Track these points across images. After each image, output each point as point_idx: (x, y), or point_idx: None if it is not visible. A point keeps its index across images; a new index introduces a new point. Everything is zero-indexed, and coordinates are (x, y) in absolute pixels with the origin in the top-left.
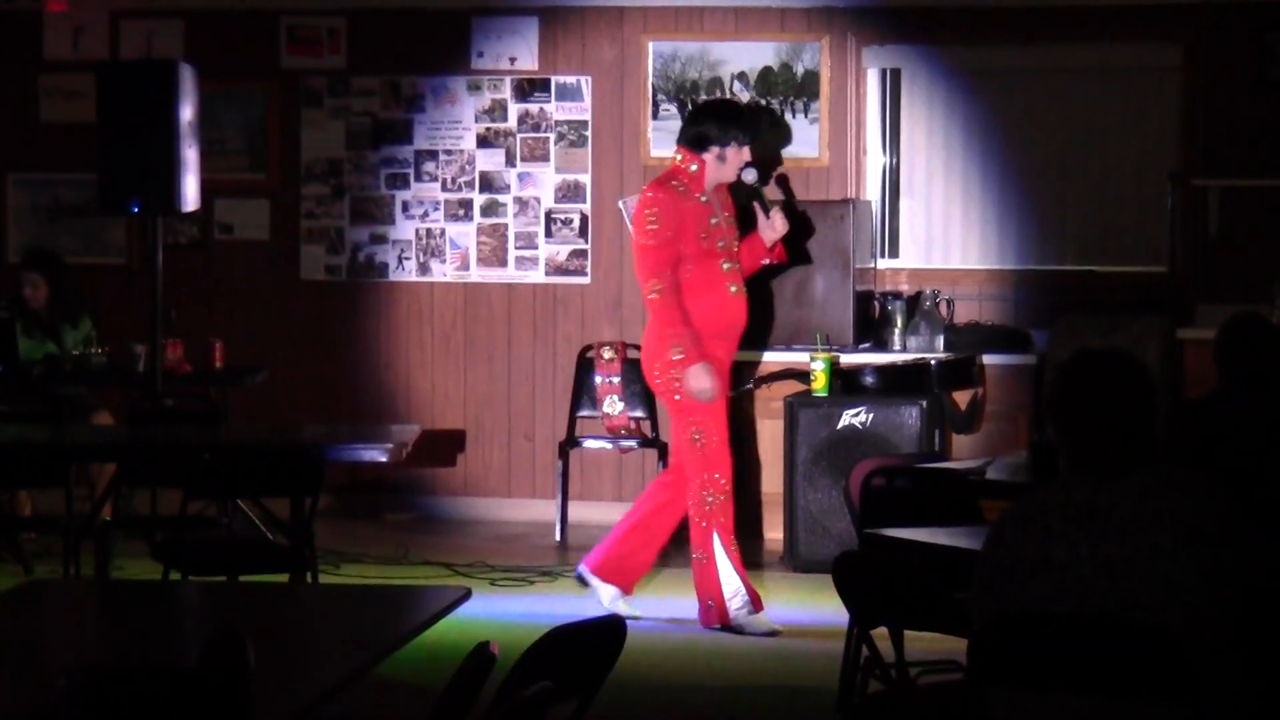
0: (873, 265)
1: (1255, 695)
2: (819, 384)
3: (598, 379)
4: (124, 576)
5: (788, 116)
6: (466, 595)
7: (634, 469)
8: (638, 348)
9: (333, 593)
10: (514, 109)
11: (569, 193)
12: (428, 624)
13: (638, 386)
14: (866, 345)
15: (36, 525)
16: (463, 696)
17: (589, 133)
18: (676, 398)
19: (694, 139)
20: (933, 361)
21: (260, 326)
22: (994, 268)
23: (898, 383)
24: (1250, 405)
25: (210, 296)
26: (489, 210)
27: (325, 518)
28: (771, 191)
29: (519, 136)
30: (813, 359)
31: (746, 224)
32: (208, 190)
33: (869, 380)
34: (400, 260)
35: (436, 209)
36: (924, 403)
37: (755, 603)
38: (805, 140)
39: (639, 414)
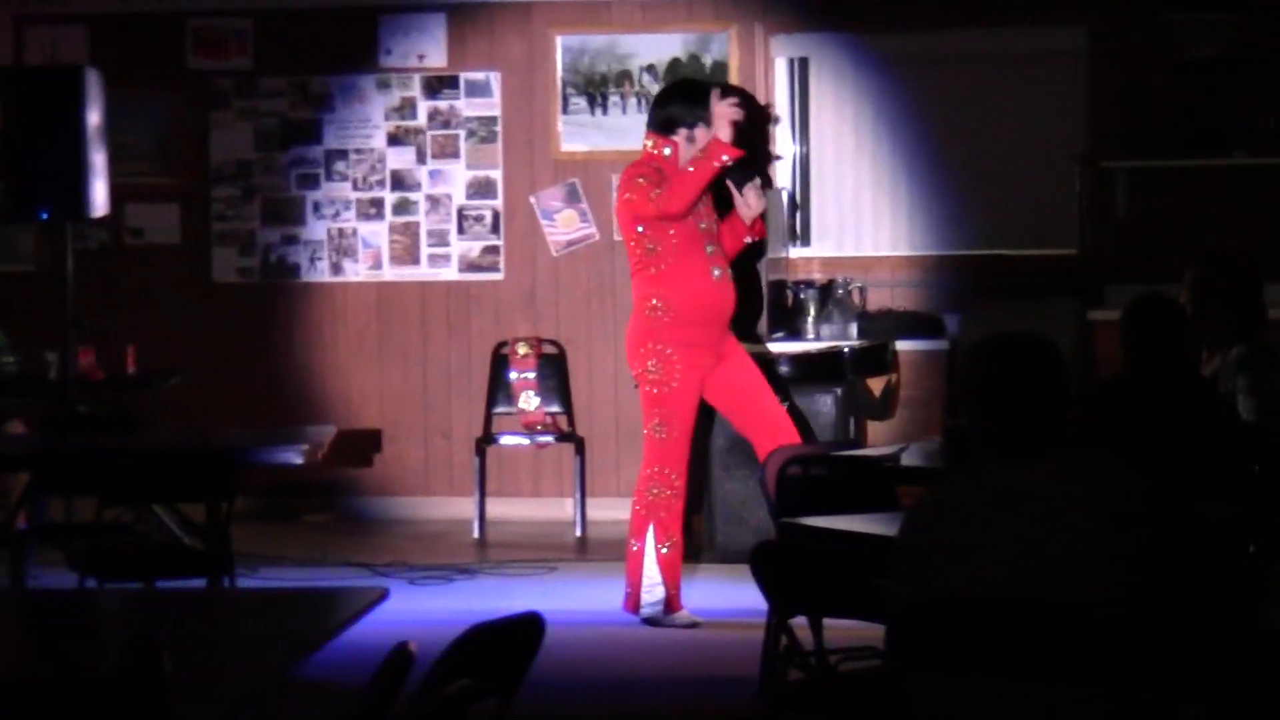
0: (785, 254)
1: (1174, 673)
2: None
3: (513, 375)
4: (40, 585)
5: None
6: (384, 596)
7: (551, 464)
8: (553, 343)
9: (250, 596)
10: (423, 106)
11: (480, 189)
12: (346, 625)
13: (553, 382)
14: (780, 334)
15: None
16: (382, 697)
17: (499, 128)
18: (648, 388)
19: (662, 123)
20: (846, 349)
21: (173, 330)
22: (906, 254)
23: (812, 371)
24: (1157, 386)
25: (122, 302)
26: (400, 208)
27: (243, 521)
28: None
29: (429, 134)
30: None
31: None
32: (117, 195)
33: (784, 369)
34: (313, 260)
35: (348, 208)
36: (838, 390)
37: (671, 604)
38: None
39: (555, 409)
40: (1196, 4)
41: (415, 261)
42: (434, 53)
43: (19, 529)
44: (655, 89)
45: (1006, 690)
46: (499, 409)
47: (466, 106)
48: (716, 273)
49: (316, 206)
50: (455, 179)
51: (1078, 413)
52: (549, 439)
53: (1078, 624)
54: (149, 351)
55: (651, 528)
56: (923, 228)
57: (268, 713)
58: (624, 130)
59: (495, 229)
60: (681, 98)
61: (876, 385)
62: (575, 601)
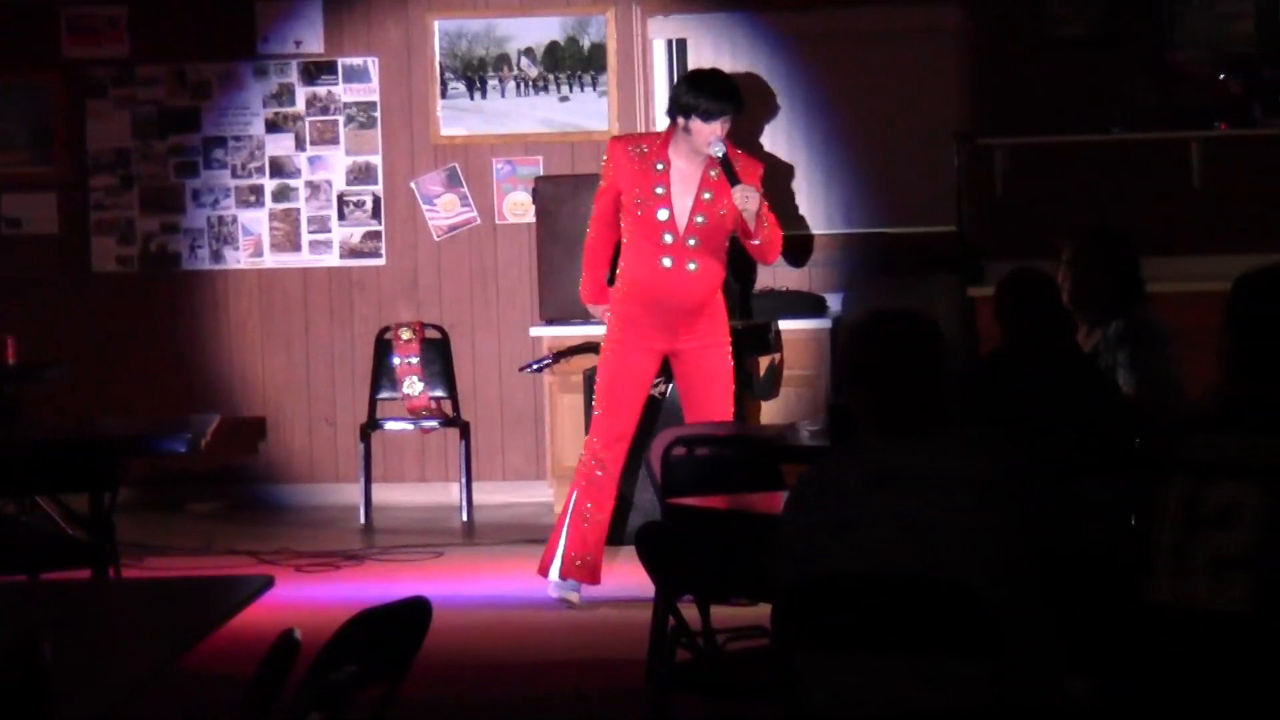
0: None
1: (1058, 647)
2: None
3: (396, 360)
4: None
5: (576, 91)
6: (269, 583)
7: (436, 449)
8: (436, 328)
9: (135, 587)
10: (301, 93)
11: (360, 175)
12: (231, 614)
13: (437, 366)
14: None
15: None
16: (269, 685)
17: (378, 114)
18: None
19: (669, 105)
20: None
21: (53, 321)
22: (787, 234)
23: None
24: (1036, 361)
25: (1, 292)
26: (280, 195)
27: (128, 511)
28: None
29: (308, 120)
30: None
31: None
32: None
33: None
34: (193, 249)
35: (227, 196)
36: None
37: (578, 575)
38: (594, 113)
39: (439, 394)
40: None
41: (296, 248)
42: (311, 39)
43: None
44: (534, 72)
45: (892, 666)
46: (383, 395)
47: (345, 92)
48: (666, 262)
49: (196, 194)
50: (335, 165)
51: (959, 389)
52: (434, 424)
53: (960, 599)
54: (29, 342)
55: (573, 494)
56: (804, 207)
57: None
58: (503, 114)
59: (376, 214)
60: (689, 85)
61: (761, 365)
62: (463, 586)
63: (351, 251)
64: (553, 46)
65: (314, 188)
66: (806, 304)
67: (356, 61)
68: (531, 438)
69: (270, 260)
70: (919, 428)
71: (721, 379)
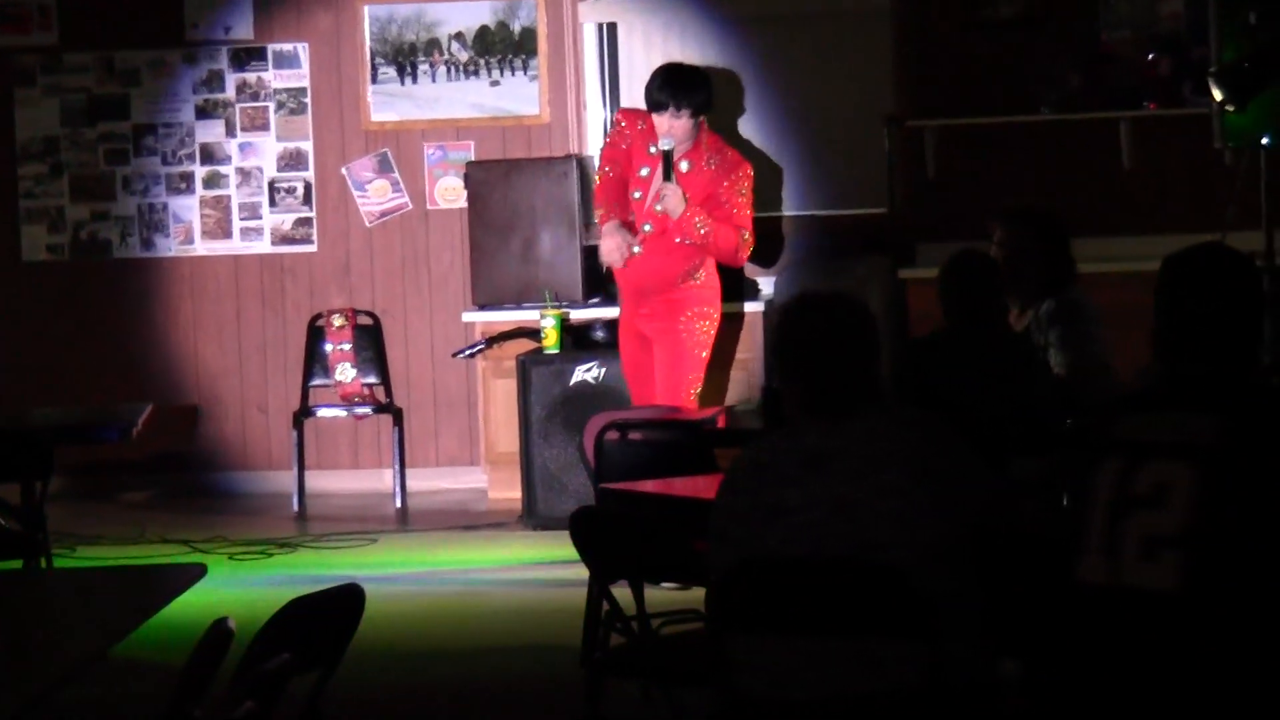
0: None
1: (991, 628)
2: (550, 341)
3: (328, 347)
4: None
5: (506, 75)
6: (202, 572)
7: (370, 436)
8: (369, 314)
9: (68, 576)
10: (231, 79)
11: (291, 161)
12: (164, 603)
13: (370, 353)
14: (596, 300)
15: None
16: (202, 673)
17: (308, 100)
18: None
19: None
20: None
21: None
22: None
23: None
24: (974, 341)
25: None
26: (211, 182)
27: (60, 501)
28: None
29: (238, 106)
30: (543, 316)
31: None
32: None
33: (600, 335)
34: (124, 237)
35: (158, 183)
36: None
37: None
38: (525, 98)
39: (372, 380)
40: None
41: (227, 235)
42: (240, 25)
43: None
44: (464, 57)
45: (825, 648)
46: (315, 382)
47: (275, 78)
48: (636, 249)
49: (126, 182)
50: (265, 151)
51: (892, 370)
52: (366, 410)
53: (893, 581)
54: None
55: None
56: None
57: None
58: (434, 99)
59: (307, 201)
60: (652, 76)
61: None
62: (397, 572)
63: (283, 238)
64: (483, 31)
65: (245, 174)
66: (739, 287)
67: (286, 47)
68: (465, 423)
69: (201, 248)
70: (849, 410)
71: (667, 363)
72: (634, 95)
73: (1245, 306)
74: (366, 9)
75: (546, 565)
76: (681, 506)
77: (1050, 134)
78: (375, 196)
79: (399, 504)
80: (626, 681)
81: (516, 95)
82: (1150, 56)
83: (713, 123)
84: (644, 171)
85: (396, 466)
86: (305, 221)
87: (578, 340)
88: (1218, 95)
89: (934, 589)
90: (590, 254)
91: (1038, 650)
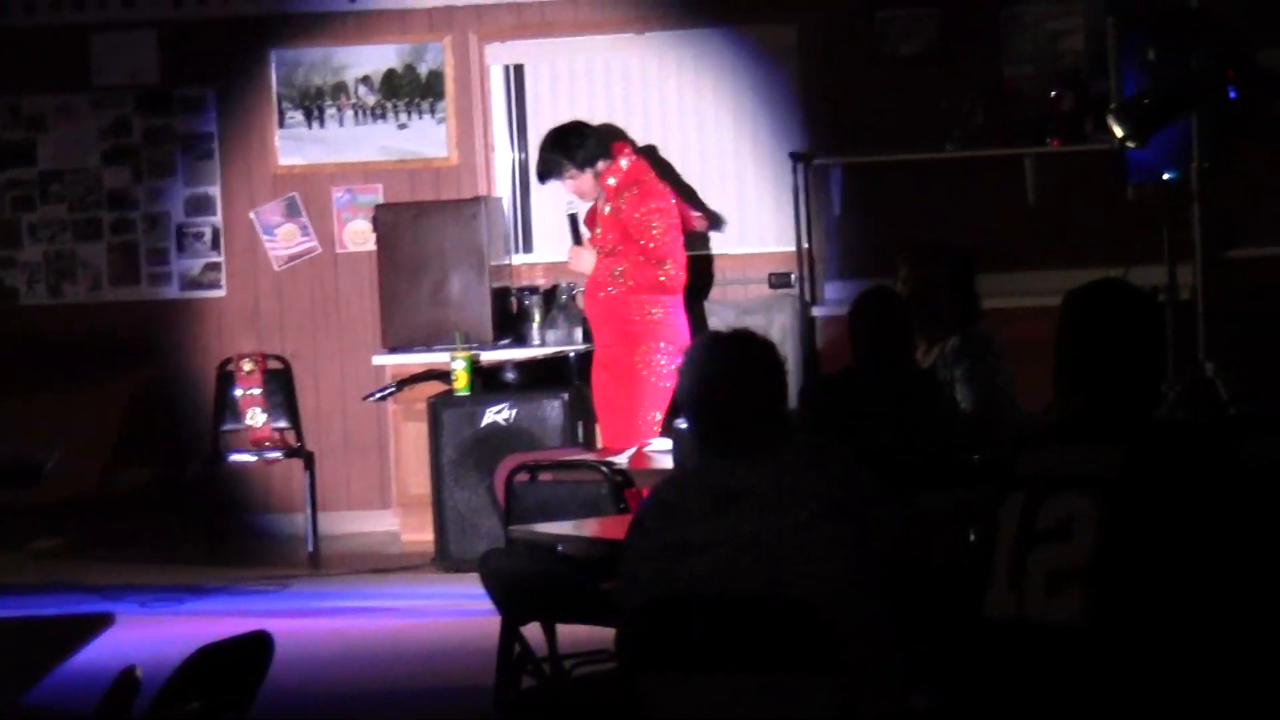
0: (508, 261)
1: (901, 663)
2: (460, 383)
3: (239, 392)
4: None
5: (414, 118)
6: (109, 621)
7: (281, 480)
8: (279, 358)
9: None
10: (138, 124)
11: (199, 206)
12: (70, 653)
13: (280, 397)
14: (506, 341)
15: None
16: None
17: (216, 145)
18: None
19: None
20: (572, 354)
21: None
22: None
23: (539, 377)
24: (881, 378)
25: None
26: (118, 228)
27: None
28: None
29: (145, 152)
30: (453, 358)
31: None
32: None
33: (510, 376)
34: (30, 284)
35: (65, 230)
36: (565, 395)
37: None
38: (433, 140)
39: (283, 424)
40: (901, 0)
41: (136, 281)
42: (147, 70)
43: None
44: (372, 100)
45: (736, 685)
46: (226, 426)
47: (181, 123)
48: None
49: (33, 229)
50: (173, 196)
51: (800, 407)
52: (277, 455)
53: (803, 616)
54: None
55: None
56: None
57: None
58: (342, 143)
59: (215, 246)
60: (542, 153)
61: None
62: (309, 617)
63: (191, 283)
64: (390, 74)
65: (152, 220)
66: None
67: (193, 92)
68: (376, 466)
69: (109, 293)
70: (757, 448)
71: (625, 396)
72: (541, 137)
73: (1144, 341)
74: (273, 53)
75: (459, 607)
76: (590, 548)
77: (956, 170)
78: (284, 240)
79: (311, 548)
80: None
81: (424, 138)
82: (1053, 93)
83: None
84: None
85: (308, 510)
86: (214, 266)
87: (488, 382)
88: (1118, 131)
89: (844, 624)
90: (499, 296)
91: (947, 684)
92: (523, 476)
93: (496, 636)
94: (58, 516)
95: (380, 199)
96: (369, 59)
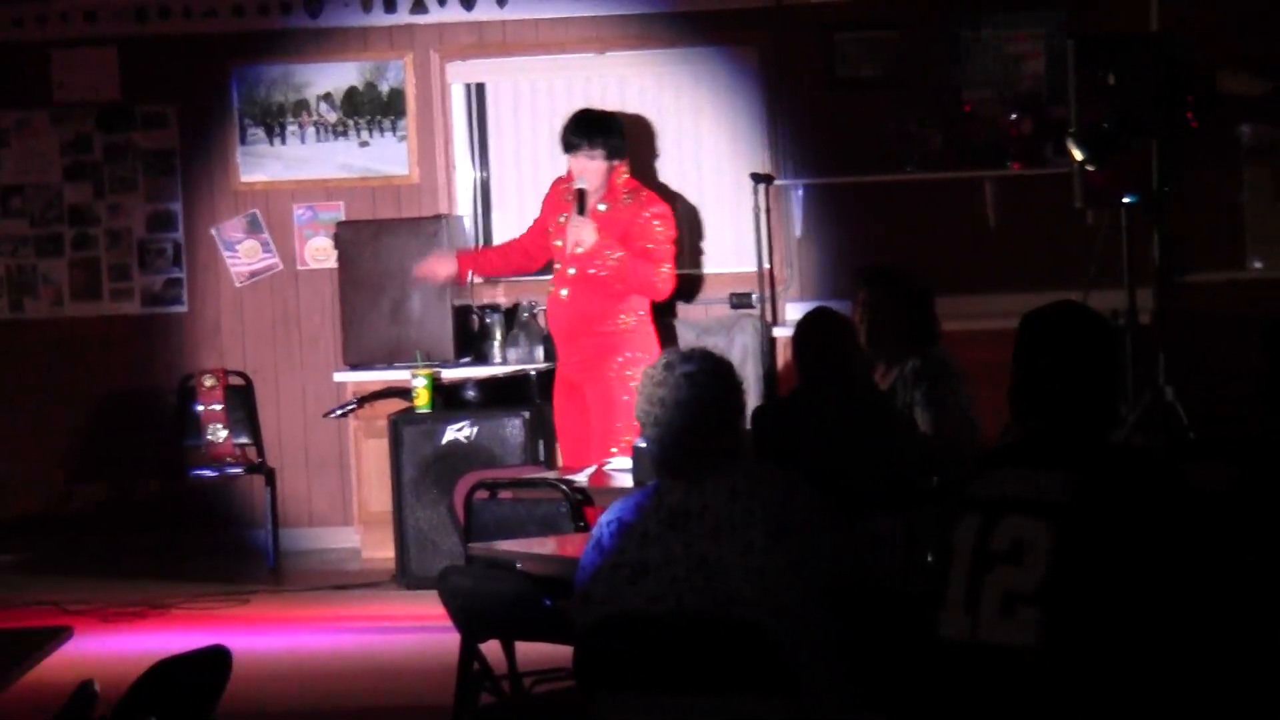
0: (470, 279)
1: (849, 685)
2: (421, 401)
3: (200, 407)
4: None
5: (375, 135)
6: (67, 634)
7: (242, 496)
8: (240, 374)
9: None
10: (100, 140)
11: (160, 222)
12: (27, 667)
13: (241, 413)
14: (467, 359)
15: None
16: None
17: (177, 161)
18: None
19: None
20: (533, 372)
21: None
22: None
23: (499, 395)
24: (829, 399)
25: None
26: (80, 243)
27: None
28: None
29: (106, 168)
30: (414, 376)
31: None
32: None
33: (471, 394)
34: None
35: (26, 245)
36: (526, 414)
37: None
38: (394, 158)
39: (244, 440)
40: (860, 23)
41: (97, 296)
42: (108, 86)
43: None
44: (333, 118)
45: (690, 705)
46: (188, 442)
47: (143, 139)
48: (563, 292)
49: None
50: (134, 213)
51: (753, 428)
52: (238, 471)
53: (754, 638)
54: None
55: None
56: None
57: None
58: (303, 159)
59: (177, 262)
60: (575, 122)
61: None
62: (269, 633)
63: (153, 299)
64: (351, 92)
65: (114, 235)
66: None
67: (155, 109)
68: (337, 483)
69: (71, 309)
70: (711, 469)
71: (599, 410)
72: (503, 155)
73: (1099, 365)
74: (235, 70)
75: (419, 624)
76: (549, 566)
77: (916, 193)
78: (245, 257)
79: (272, 564)
80: None
81: (385, 156)
82: (1013, 116)
83: None
84: (561, 218)
85: (269, 526)
86: (175, 282)
87: (449, 400)
88: (1076, 155)
89: (795, 645)
90: (461, 314)
91: (900, 706)
92: (482, 494)
93: (456, 654)
94: (18, 530)
95: (341, 216)
96: (330, 76)
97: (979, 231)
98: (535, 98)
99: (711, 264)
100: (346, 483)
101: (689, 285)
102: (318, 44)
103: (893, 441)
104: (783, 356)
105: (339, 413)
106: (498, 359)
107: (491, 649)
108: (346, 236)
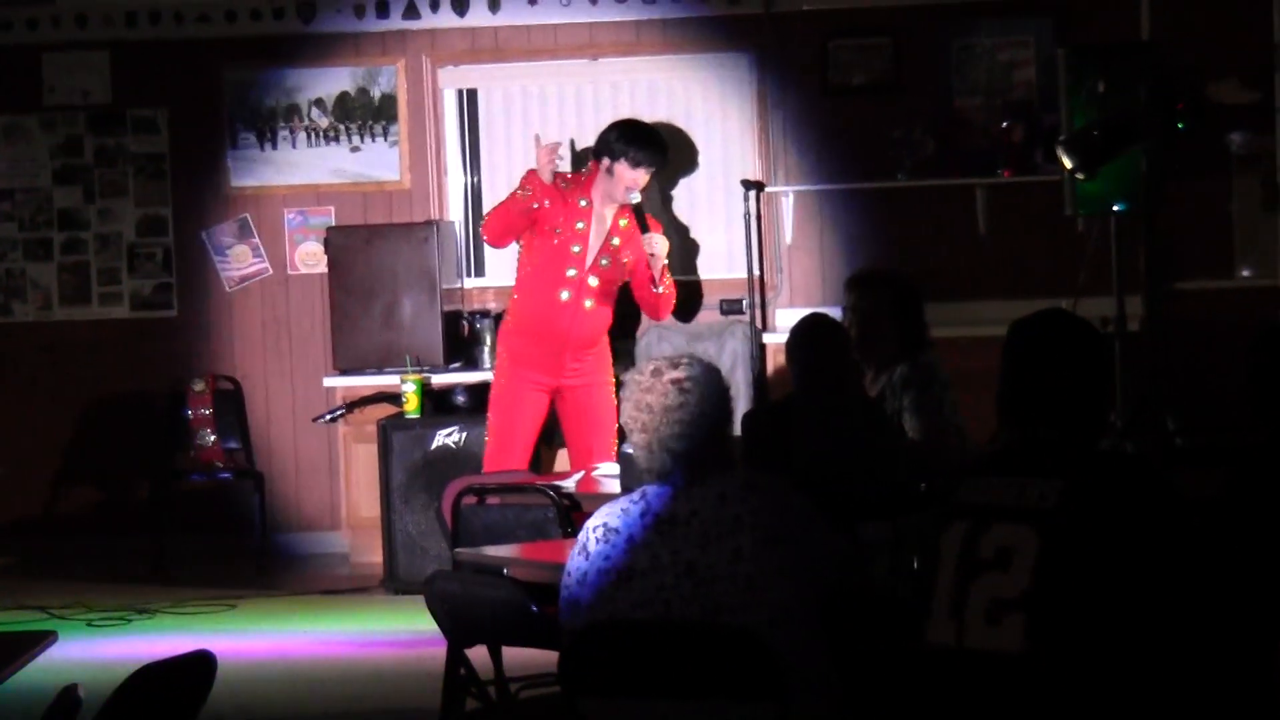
0: (459, 285)
1: (838, 691)
2: (411, 406)
3: (189, 412)
4: None
5: (367, 141)
6: (52, 639)
7: (231, 500)
8: (229, 379)
9: None
10: (90, 144)
11: (151, 226)
12: (11, 671)
13: (231, 418)
14: (457, 365)
15: None
16: None
17: (168, 165)
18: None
19: (596, 145)
20: None
21: None
22: None
23: (488, 401)
24: (821, 406)
25: None
26: (70, 248)
27: None
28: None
29: (97, 172)
30: (403, 381)
31: None
32: None
33: (460, 400)
34: None
35: (15, 249)
36: None
37: None
38: (386, 164)
39: (233, 445)
40: (852, 30)
41: (87, 301)
42: (99, 90)
43: None
44: (325, 123)
45: (677, 711)
46: (177, 447)
47: (134, 143)
48: (565, 295)
49: None
50: (124, 217)
51: (742, 434)
52: (227, 476)
53: (743, 643)
54: None
55: None
56: None
57: None
58: (294, 164)
59: (167, 266)
60: (620, 131)
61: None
62: (257, 637)
63: (143, 303)
64: (343, 97)
65: (104, 240)
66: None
67: (146, 113)
68: (326, 488)
69: (60, 313)
70: (699, 476)
71: (604, 417)
72: (494, 162)
73: (1087, 372)
74: (226, 75)
75: (407, 629)
76: (536, 571)
77: (907, 200)
78: (236, 261)
79: (260, 568)
80: None
81: (377, 161)
82: (1004, 124)
83: None
84: (580, 225)
85: (258, 531)
86: (165, 287)
87: (439, 405)
88: (1067, 163)
89: (784, 651)
90: (451, 319)
91: (887, 712)
92: (470, 499)
93: (443, 659)
94: (6, 534)
95: (332, 221)
96: (322, 82)
97: (970, 238)
98: (527, 104)
99: (702, 270)
100: (335, 488)
101: (679, 291)
102: (310, 49)
103: (884, 448)
104: (773, 363)
105: (328, 418)
106: (487, 364)
107: (479, 654)
108: (337, 241)
